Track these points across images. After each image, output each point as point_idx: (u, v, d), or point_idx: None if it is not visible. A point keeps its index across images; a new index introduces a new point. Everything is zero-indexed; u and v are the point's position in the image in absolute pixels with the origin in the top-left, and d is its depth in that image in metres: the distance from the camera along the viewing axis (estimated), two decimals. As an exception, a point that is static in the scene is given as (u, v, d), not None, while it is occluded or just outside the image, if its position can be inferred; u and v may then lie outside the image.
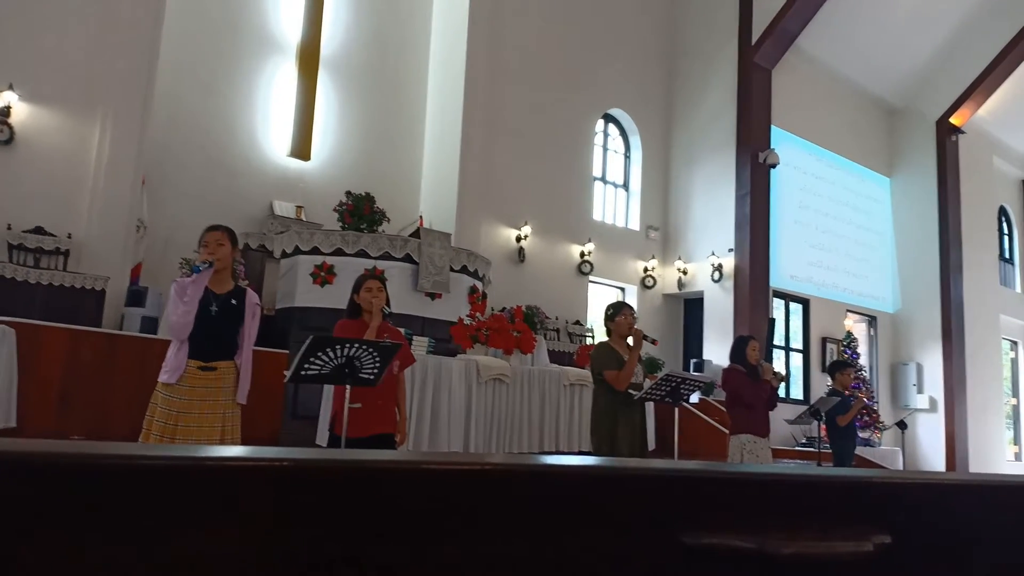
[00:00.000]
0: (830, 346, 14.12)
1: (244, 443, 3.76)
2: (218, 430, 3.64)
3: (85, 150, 8.21)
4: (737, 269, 12.86)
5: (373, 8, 11.50)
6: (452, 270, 8.14)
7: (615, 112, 13.92)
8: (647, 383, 5.03)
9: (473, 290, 8.47)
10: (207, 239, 3.73)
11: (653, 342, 5.02)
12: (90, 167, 8.21)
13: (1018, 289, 18.14)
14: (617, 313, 5.01)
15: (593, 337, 11.97)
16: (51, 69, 8.05)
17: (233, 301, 3.76)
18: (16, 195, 7.76)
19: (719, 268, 13.10)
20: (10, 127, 7.77)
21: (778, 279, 13.34)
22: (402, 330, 6.03)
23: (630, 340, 4.95)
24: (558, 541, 0.67)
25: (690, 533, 0.70)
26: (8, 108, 7.75)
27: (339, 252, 7.69)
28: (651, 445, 8.50)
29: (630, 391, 4.86)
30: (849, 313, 14.96)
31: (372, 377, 3.70)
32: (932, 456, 14.63)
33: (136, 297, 8.05)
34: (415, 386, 6.48)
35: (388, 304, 4.15)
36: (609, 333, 5.07)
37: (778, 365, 12.78)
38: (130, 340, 6.84)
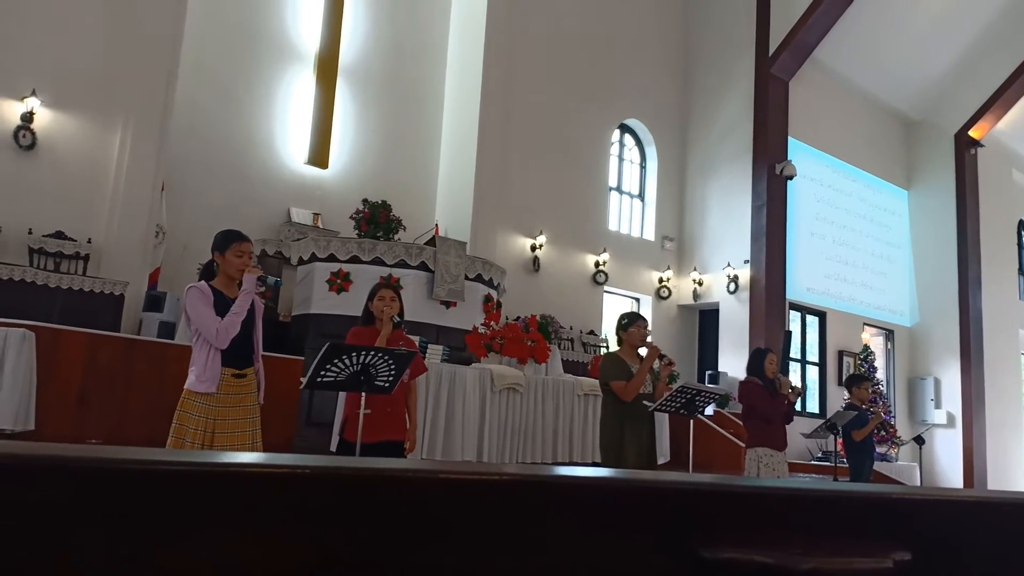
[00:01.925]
0: (847, 359, 14.02)
1: (262, 449, 3.79)
2: (249, 434, 3.67)
3: (106, 156, 8.30)
4: (753, 280, 12.80)
5: (391, 18, 11.57)
6: (467, 278, 8.15)
7: (631, 122, 13.93)
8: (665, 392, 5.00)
9: (488, 299, 8.48)
10: (242, 249, 3.71)
11: (669, 364, 4.96)
12: (111, 173, 8.30)
13: (1037, 304, 17.96)
14: (631, 324, 4.99)
15: (607, 347, 11.95)
16: (73, 76, 8.15)
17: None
18: (37, 200, 7.85)
19: (735, 279, 13.04)
20: (33, 133, 7.86)
21: (794, 291, 13.26)
22: (416, 338, 6.05)
23: (642, 351, 4.93)
24: (574, 552, 0.67)
25: (708, 547, 0.70)
26: (31, 114, 7.84)
27: (355, 259, 7.72)
28: (666, 457, 8.47)
29: (644, 402, 4.84)
30: (866, 326, 14.85)
31: (387, 385, 3.71)
32: (950, 472, 14.47)
33: (154, 302, 8.11)
34: (429, 394, 6.48)
35: (402, 314, 4.17)
36: (620, 342, 5.05)
37: (794, 378, 12.70)
38: (148, 345, 6.89)
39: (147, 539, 0.54)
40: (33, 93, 7.86)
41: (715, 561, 0.70)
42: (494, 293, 8.67)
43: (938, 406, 14.93)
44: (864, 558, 0.76)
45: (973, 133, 15.42)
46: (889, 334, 15.44)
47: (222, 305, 3.64)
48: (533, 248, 12.10)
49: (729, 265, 13.13)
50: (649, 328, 5.11)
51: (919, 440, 8.93)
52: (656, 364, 4.93)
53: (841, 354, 14.03)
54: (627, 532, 0.68)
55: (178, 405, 3.62)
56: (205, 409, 3.57)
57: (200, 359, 3.60)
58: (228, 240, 3.74)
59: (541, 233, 12.14)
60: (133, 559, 0.53)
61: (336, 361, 3.54)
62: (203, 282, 3.75)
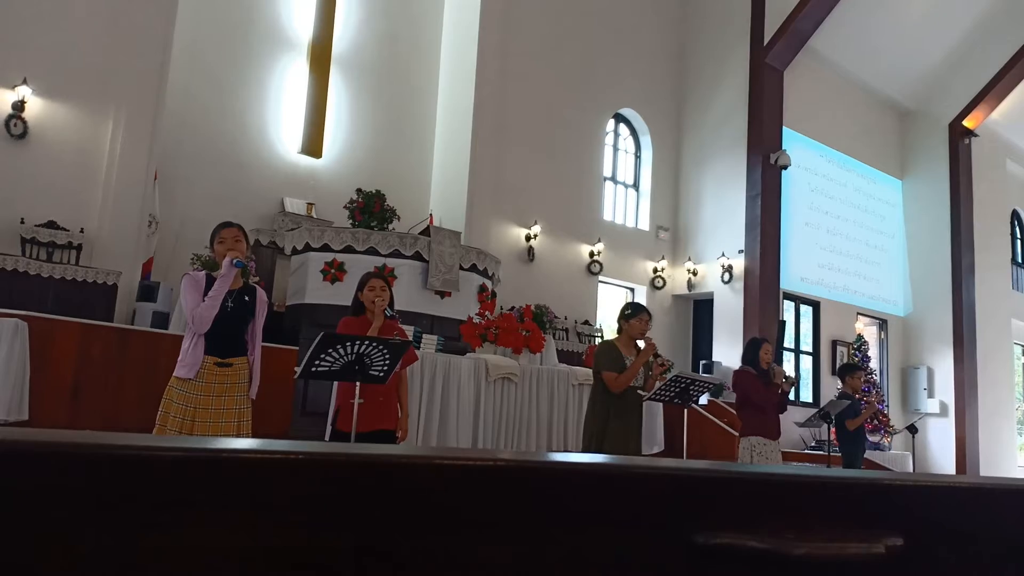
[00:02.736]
0: (840, 349, 14.07)
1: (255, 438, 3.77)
2: (233, 425, 3.66)
3: (98, 145, 8.26)
4: (747, 270, 12.82)
5: (385, 6, 11.52)
6: (462, 268, 8.14)
7: (626, 112, 13.91)
8: (657, 384, 5.00)
9: (482, 289, 8.48)
10: (224, 235, 3.74)
11: (662, 364, 4.96)
12: (103, 162, 8.26)
13: (1030, 293, 18.03)
14: (634, 315, 4.97)
15: (602, 337, 11.96)
16: (65, 64, 8.10)
17: (246, 298, 3.78)
18: (29, 189, 7.81)
19: (729, 269, 13.06)
20: (24, 122, 7.82)
21: (788, 281, 13.29)
22: (410, 328, 6.05)
23: (640, 343, 4.93)
24: (568, 539, 0.67)
25: (702, 533, 0.70)
26: (22, 102, 7.80)
27: (349, 249, 7.70)
28: (660, 446, 8.50)
29: (639, 391, 4.85)
30: (860, 316, 14.90)
31: (382, 374, 3.71)
32: (942, 461, 14.56)
33: (147, 292, 8.09)
34: (424, 384, 6.49)
35: (392, 304, 4.16)
36: (620, 331, 5.05)
37: (788, 367, 12.74)
38: (141, 335, 6.88)
39: (140, 526, 0.53)
40: (24, 82, 7.81)
41: (708, 546, 0.70)
42: (489, 283, 8.67)
43: (931, 395, 15.01)
44: (857, 543, 0.76)
45: (967, 123, 15.44)
46: (883, 323, 15.50)
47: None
48: (528, 238, 12.10)
49: (723, 255, 13.15)
50: (651, 323, 5.09)
51: (912, 429, 8.99)
52: (650, 359, 4.93)
53: (835, 344, 14.08)
54: (621, 518, 0.68)
55: (164, 391, 3.64)
56: (184, 396, 3.59)
57: (184, 345, 3.65)
58: (215, 231, 3.80)
59: (536, 223, 12.14)
60: (126, 546, 0.53)
61: (330, 351, 3.54)
62: (201, 271, 3.79)
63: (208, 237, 3.89)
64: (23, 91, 7.80)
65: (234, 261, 3.63)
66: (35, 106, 7.92)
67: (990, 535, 0.86)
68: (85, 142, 8.20)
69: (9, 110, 7.76)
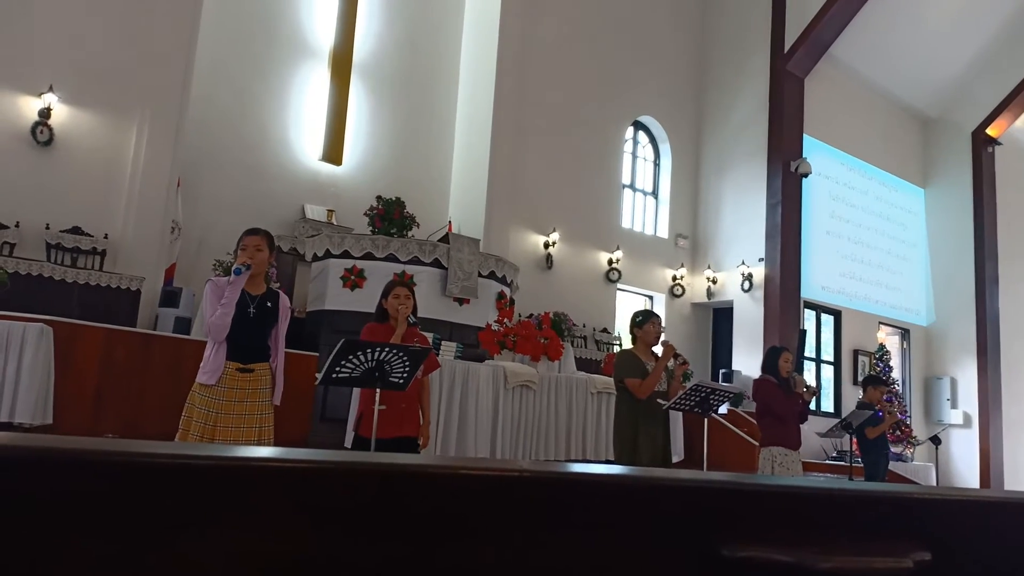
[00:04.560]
0: (862, 359, 13.93)
1: (275, 445, 3.78)
2: (255, 431, 3.67)
3: (122, 152, 8.35)
4: (767, 279, 12.73)
5: (405, 15, 11.58)
6: (480, 276, 8.15)
7: (645, 119, 13.88)
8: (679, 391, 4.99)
9: (501, 296, 8.48)
10: (246, 242, 3.75)
11: (683, 363, 4.96)
12: (127, 169, 8.35)
13: (1056, 303, 17.74)
14: (646, 321, 4.99)
15: (621, 345, 11.92)
16: (90, 72, 8.20)
17: (268, 303, 3.79)
18: (55, 195, 7.91)
19: (749, 277, 12.98)
20: (50, 128, 7.92)
21: (809, 290, 13.19)
22: (430, 335, 6.06)
23: (656, 349, 4.92)
24: (593, 550, 0.67)
25: (728, 546, 0.69)
26: (48, 110, 7.90)
27: (369, 256, 7.74)
28: (680, 455, 8.44)
29: (658, 400, 4.84)
30: (882, 325, 14.75)
31: (402, 381, 3.72)
32: (966, 472, 14.36)
33: (170, 297, 8.16)
34: (443, 391, 6.49)
35: (416, 312, 4.18)
36: (634, 340, 5.05)
37: (809, 377, 12.63)
38: (164, 340, 6.93)
39: (161, 532, 0.54)
40: (50, 89, 7.92)
41: (735, 559, 0.69)
42: (507, 290, 8.67)
43: (954, 406, 14.82)
44: (884, 558, 0.75)
45: (991, 131, 15.28)
46: (905, 333, 15.33)
47: (243, 301, 3.68)
48: (546, 245, 12.09)
49: (743, 263, 13.07)
50: (663, 326, 5.11)
51: (935, 440, 8.88)
52: (671, 363, 4.92)
53: (856, 353, 13.94)
54: (646, 530, 0.68)
55: (188, 397, 3.66)
56: (207, 401, 3.61)
57: (207, 351, 3.66)
58: (240, 237, 3.80)
59: (554, 230, 12.13)
60: (145, 552, 0.53)
61: (351, 357, 3.55)
62: (224, 277, 3.80)
63: (228, 243, 3.92)
64: (49, 98, 7.90)
65: (234, 268, 3.65)
66: (61, 113, 8.02)
67: (1018, 549, 0.85)
68: (110, 149, 8.30)
69: (35, 117, 7.87)
